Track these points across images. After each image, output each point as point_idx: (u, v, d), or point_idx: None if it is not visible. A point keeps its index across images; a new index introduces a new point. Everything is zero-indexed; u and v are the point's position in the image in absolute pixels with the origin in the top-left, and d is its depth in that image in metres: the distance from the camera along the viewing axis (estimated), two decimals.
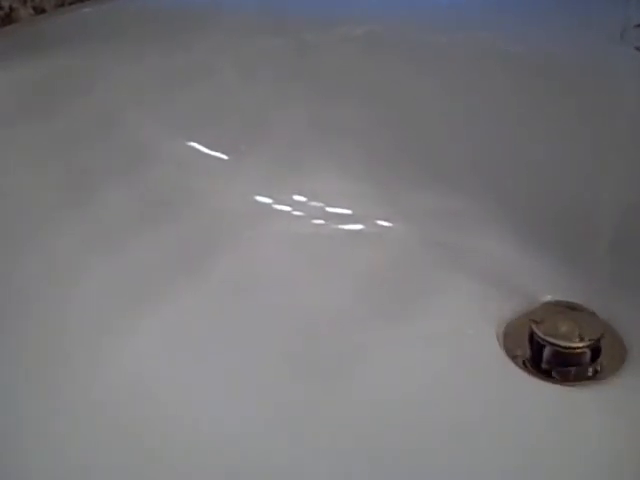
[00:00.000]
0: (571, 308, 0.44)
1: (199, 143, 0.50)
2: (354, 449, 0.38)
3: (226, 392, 0.40)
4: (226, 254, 0.47)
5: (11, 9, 0.54)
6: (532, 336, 0.43)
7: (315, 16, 0.51)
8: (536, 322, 0.43)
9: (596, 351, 0.42)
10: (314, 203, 0.51)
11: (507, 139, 0.48)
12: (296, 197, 0.51)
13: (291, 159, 0.51)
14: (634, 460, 0.37)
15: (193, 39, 0.50)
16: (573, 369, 0.42)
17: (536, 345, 0.43)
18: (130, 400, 0.39)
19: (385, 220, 0.50)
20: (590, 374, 0.42)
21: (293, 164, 0.51)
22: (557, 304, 0.44)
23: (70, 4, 0.54)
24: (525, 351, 0.43)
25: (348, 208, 0.50)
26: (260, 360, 0.42)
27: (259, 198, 0.50)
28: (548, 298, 0.45)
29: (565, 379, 0.42)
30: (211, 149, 0.50)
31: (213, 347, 0.43)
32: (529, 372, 0.42)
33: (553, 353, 0.42)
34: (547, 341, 0.42)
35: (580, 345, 0.42)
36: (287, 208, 0.50)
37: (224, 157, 0.50)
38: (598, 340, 0.42)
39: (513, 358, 0.43)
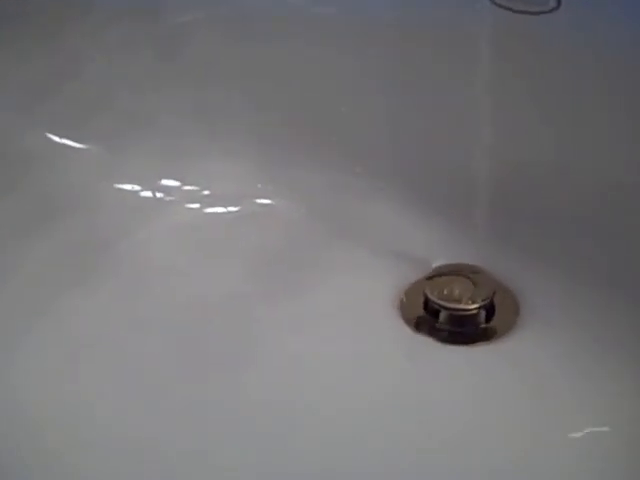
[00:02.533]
0: (463, 270, 0.44)
1: (64, 136, 0.47)
2: (259, 434, 0.38)
3: (123, 392, 0.39)
4: (109, 251, 0.46)
5: None
6: (427, 301, 0.43)
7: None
8: (430, 287, 0.43)
9: (490, 310, 0.43)
10: (188, 187, 0.49)
11: (384, 106, 0.48)
12: (169, 182, 0.49)
13: (161, 144, 0.49)
14: (534, 413, 0.38)
15: (61, 29, 0.47)
16: (469, 330, 0.42)
17: (431, 310, 0.43)
18: (25, 404, 0.38)
19: (266, 198, 0.49)
20: (486, 333, 0.42)
21: (164, 150, 0.49)
22: (449, 267, 0.44)
23: None
24: (421, 316, 0.43)
25: (225, 189, 0.49)
26: (158, 355, 0.41)
27: (130, 187, 0.48)
28: (440, 262, 0.45)
29: (462, 341, 0.42)
30: (77, 140, 0.48)
31: (109, 347, 0.41)
32: (427, 336, 0.42)
33: (448, 316, 0.42)
34: (441, 305, 0.42)
35: (474, 306, 0.42)
36: (160, 195, 0.49)
37: (91, 147, 0.48)
38: (491, 299, 0.42)
39: (410, 324, 0.43)
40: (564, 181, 0.46)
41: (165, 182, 0.49)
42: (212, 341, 0.42)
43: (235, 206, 0.49)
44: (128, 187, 0.48)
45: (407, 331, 0.42)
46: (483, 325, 0.43)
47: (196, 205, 0.49)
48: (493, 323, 0.43)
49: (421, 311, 0.43)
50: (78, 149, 0.48)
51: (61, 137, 0.47)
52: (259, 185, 0.49)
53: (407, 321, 0.43)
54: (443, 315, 0.43)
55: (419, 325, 0.43)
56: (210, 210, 0.49)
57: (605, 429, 0.38)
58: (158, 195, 0.48)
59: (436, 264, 0.45)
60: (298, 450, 0.37)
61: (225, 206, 0.49)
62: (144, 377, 0.40)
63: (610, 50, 0.44)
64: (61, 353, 0.41)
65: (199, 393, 0.39)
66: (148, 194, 0.48)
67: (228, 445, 0.37)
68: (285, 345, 0.42)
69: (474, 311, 0.42)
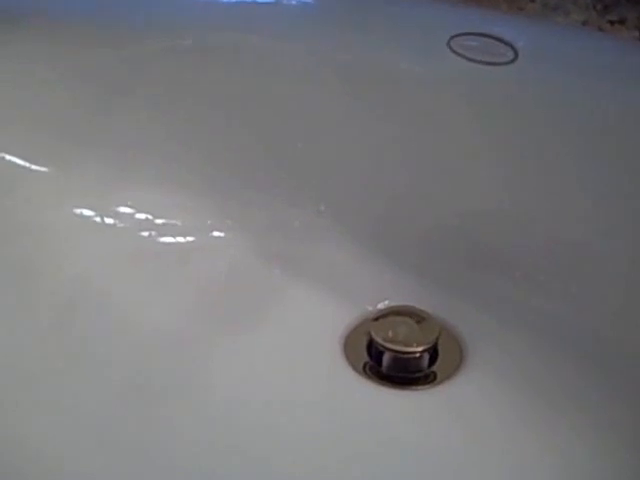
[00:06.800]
0: (408, 312, 0.44)
1: (18, 156, 0.47)
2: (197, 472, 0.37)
3: (59, 425, 0.38)
4: (51, 274, 0.45)
5: None
6: (371, 342, 0.43)
7: (140, 27, 0.49)
8: (375, 328, 0.43)
9: (434, 353, 0.43)
10: (141, 215, 0.49)
11: (341, 147, 0.48)
12: (123, 209, 0.48)
13: (117, 170, 0.48)
14: (472, 459, 0.38)
15: (12, 45, 0.47)
16: (412, 373, 0.42)
17: (375, 351, 0.43)
18: None
19: (219, 231, 0.49)
20: (428, 377, 0.42)
21: (119, 176, 0.48)
22: (394, 309, 0.44)
23: None
24: (365, 357, 0.43)
25: (178, 219, 0.49)
26: (100, 385, 0.40)
27: (82, 212, 0.48)
28: (386, 303, 0.45)
29: (405, 383, 0.42)
30: (31, 162, 0.47)
31: (43, 377, 0.40)
32: (369, 378, 0.42)
33: (392, 358, 0.42)
34: (385, 347, 0.42)
35: (417, 349, 0.42)
36: (112, 221, 0.48)
37: (46, 170, 0.48)
38: (435, 343, 0.43)
39: (353, 365, 0.43)
40: (514, 230, 0.46)
41: (118, 209, 0.48)
42: (153, 371, 0.42)
43: (187, 237, 0.49)
44: (80, 212, 0.48)
45: (350, 372, 0.42)
46: (426, 368, 0.43)
47: (148, 234, 0.48)
48: (436, 367, 0.43)
49: (365, 352, 0.43)
50: (31, 171, 0.47)
51: (14, 159, 0.47)
52: (213, 218, 0.49)
53: (351, 362, 0.43)
54: (387, 357, 0.42)
55: (362, 366, 0.43)
56: (162, 240, 0.48)
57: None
58: (110, 221, 0.48)
59: (382, 306, 0.45)
60: None
61: (177, 236, 0.49)
62: (84, 407, 0.39)
63: (565, 102, 0.45)
64: None
65: (141, 425, 0.39)
66: (100, 220, 0.48)
67: None
68: (228, 382, 0.42)
69: (418, 354, 0.42)
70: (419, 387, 0.42)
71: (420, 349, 0.42)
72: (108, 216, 0.48)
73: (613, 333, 0.43)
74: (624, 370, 0.42)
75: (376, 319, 0.44)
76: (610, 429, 0.39)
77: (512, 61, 0.45)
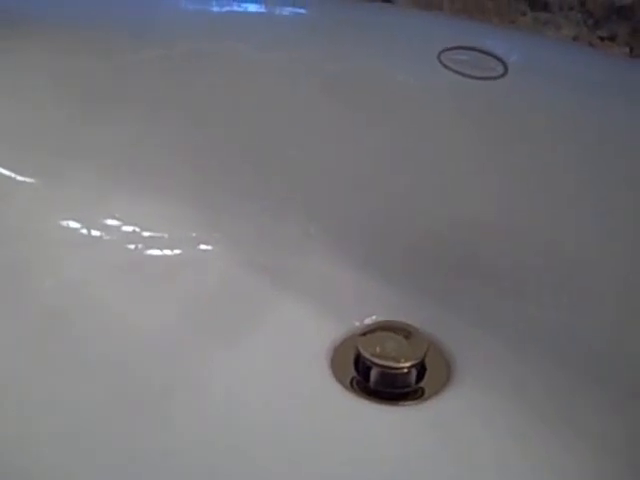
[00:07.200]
0: (396, 328, 0.44)
1: (4, 167, 0.47)
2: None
3: (50, 428, 0.38)
4: (34, 285, 0.45)
5: None
6: (359, 357, 0.43)
7: (130, 35, 0.49)
8: (363, 343, 0.42)
9: (422, 369, 0.43)
10: (128, 228, 0.48)
11: (330, 159, 0.48)
12: (109, 221, 0.48)
13: (104, 182, 0.48)
14: (460, 475, 0.38)
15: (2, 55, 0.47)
16: (400, 388, 0.42)
17: (363, 366, 0.43)
18: None
19: (207, 244, 0.48)
20: (416, 392, 0.42)
21: (106, 187, 0.48)
22: (383, 324, 0.44)
23: None
24: (353, 373, 0.43)
25: (166, 232, 0.49)
26: (86, 391, 0.40)
27: (69, 224, 0.48)
28: (374, 318, 0.45)
29: (392, 399, 0.42)
30: (18, 173, 0.47)
31: (34, 384, 0.40)
32: (357, 394, 0.42)
33: (380, 374, 0.42)
34: (373, 362, 0.42)
35: (405, 365, 0.42)
36: (99, 233, 0.48)
37: (32, 181, 0.47)
38: (422, 359, 0.42)
39: (341, 380, 0.42)
40: (502, 242, 0.46)
41: (105, 221, 0.48)
42: (138, 383, 0.41)
43: (174, 250, 0.48)
44: (66, 224, 0.47)
45: (337, 387, 0.42)
46: (414, 384, 0.42)
47: (134, 246, 0.48)
48: (424, 382, 0.42)
49: (353, 367, 0.43)
50: (17, 182, 0.47)
51: (0, 169, 0.47)
52: (200, 230, 0.49)
53: (338, 377, 0.42)
54: (374, 372, 0.42)
55: (350, 381, 0.42)
56: (149, 252, 0.48)
57: None
58: (97, 234, 0.48)
59: (370, 321, 0.45)
60: None
61: (164, 249, 0.48)
62: (82, 409, 0.39)
63: (554, 117, 0.45)
64: None
65: (129, 435, 0.39)
66: (86, 232, 0.48)
67: None
68: (211, 397, 0.41)
69: (405, 370, 0.42)
70: (407, 403, 0.42)
71: (408, 364, 0.42)
72: (95, 228, 0.48)
73: (605, 345, 0.43)
74: (615, 383, 0.42)
75: (364, 334, 0.43)
76: (602, 444, 0.39)
77: (502, 76, 0.45)
